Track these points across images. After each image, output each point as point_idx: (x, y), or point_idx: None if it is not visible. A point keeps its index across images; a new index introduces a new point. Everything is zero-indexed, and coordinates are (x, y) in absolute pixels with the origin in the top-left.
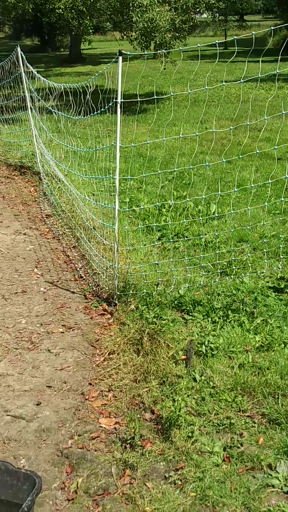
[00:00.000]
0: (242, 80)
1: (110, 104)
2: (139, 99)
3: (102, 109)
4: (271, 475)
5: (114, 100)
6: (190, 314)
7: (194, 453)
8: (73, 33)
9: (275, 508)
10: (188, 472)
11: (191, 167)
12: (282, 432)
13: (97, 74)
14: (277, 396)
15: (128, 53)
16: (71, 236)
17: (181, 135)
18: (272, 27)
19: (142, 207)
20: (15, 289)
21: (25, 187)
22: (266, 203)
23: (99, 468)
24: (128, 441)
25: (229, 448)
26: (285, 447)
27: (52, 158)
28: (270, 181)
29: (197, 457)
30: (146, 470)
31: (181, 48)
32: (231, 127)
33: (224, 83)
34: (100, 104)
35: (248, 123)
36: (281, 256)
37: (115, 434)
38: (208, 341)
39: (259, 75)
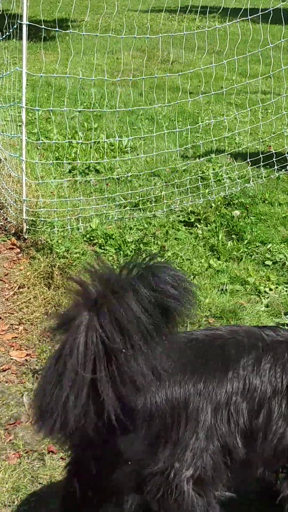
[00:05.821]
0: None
1: (15, 26)
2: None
3: (7, 33)
4: None
5: (18, 22)
6: (102, 247)
7: None
8: None
9: None
10: None
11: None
12: None
13: None
14: None
15: None
16: None
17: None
18: None
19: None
20: None
21: None
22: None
23: (10, 398)
24: (39, 372)
25: None
26: None
27: None
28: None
29: None
30: None
31: None
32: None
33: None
34: (5, 29)
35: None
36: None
37: (26, 366)
38: None
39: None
